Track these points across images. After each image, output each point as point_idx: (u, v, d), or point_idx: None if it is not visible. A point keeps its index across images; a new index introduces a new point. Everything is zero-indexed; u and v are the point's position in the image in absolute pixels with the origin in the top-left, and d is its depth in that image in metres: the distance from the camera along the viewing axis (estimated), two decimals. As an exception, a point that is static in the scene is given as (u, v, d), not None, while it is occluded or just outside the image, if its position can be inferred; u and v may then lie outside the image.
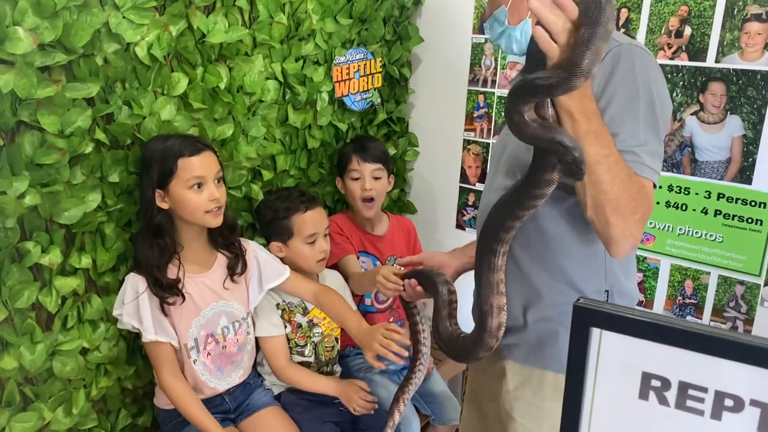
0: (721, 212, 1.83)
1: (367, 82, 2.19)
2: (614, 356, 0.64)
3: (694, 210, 1.88)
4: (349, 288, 1.95)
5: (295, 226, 1.78)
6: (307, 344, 1.82)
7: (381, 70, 2.23)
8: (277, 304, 1.79)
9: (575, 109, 0.98)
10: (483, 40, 2.24)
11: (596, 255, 1.20)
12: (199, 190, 1.53)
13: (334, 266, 1.99)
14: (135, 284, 1.52)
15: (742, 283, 1.84)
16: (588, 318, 0.65)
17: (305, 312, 1.82)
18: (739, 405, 0.59)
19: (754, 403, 0.58)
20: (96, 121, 1.49)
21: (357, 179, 2.03)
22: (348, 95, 2.13)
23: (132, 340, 1.68)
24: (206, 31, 1.67)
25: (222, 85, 1.72)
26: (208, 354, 1.65)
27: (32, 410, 1.50)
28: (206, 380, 1.66)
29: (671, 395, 0.62)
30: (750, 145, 1.75)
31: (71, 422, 1.57)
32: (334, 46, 2.06)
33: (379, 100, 2.27)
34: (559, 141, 0.96)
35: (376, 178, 2.04)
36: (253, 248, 1.75)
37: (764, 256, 1.79)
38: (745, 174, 1.78)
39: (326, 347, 1.87)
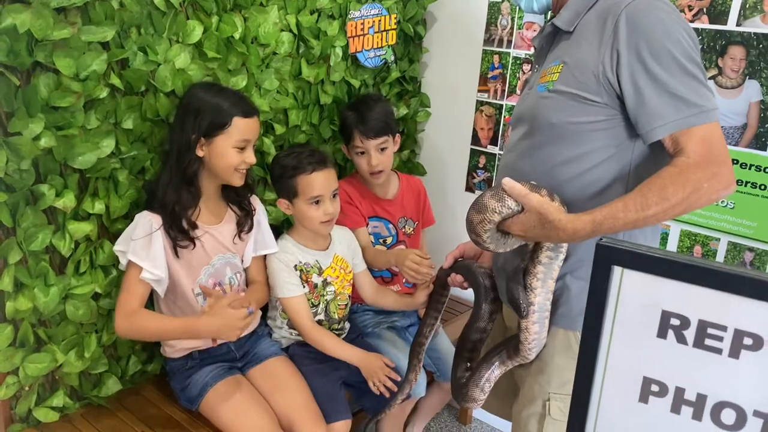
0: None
1: (381, 39, 2.17)
2: (634, 295, 0.65)
3: (706, 176, 1.87)
4: (360, 248, 1.96)
5: (299, 187, 1.74)
6: (319, 303, 1.83)
7: (396, 26, 2.21)
8: (295, 265, 1.79)
9: (587, 236, 1.08)
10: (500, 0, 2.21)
11: None
12: (241, 151, 1.57)
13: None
14: (148, 222, 1.52)
15: (751, 249, 1.84)
16: (610, 256, 0.65)
17: (320, 272, 1.83)
18: (758, 343, 0.60)
19: (773, 341, 0.59)
20: (111, 66, 1.48)
21: (362, 154, 1.98)
22: (362, 51, 2.11)
23: (143, 287, 1.69)
24: (222, -21, 1.65)
25: (237, 35, 1.70)
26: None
27: (45, 351, 1.52)
28: None
29: (690, 334, 0.63)
30: (767, 111, 1.74)
31: (83, 365, 1.60)
32: (350, 0, 2.03)
33: (392, 57, 2.25)
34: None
35: (383, 149, 1.98)
36: (259, 211, 1.77)
37: (775, 224, 1.78)
38: (761, 140, 1.76)
39: (339, 305, 1.88)
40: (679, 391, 0.64)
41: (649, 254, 0.63)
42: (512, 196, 1.11)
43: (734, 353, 0.61)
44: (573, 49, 1.19)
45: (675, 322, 0.63)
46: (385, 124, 1.97)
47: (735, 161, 1.80)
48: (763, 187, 1.78)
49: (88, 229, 1.52)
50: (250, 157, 1.59)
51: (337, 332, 1.88)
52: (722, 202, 1.86)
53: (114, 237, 1.59)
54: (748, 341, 0.60)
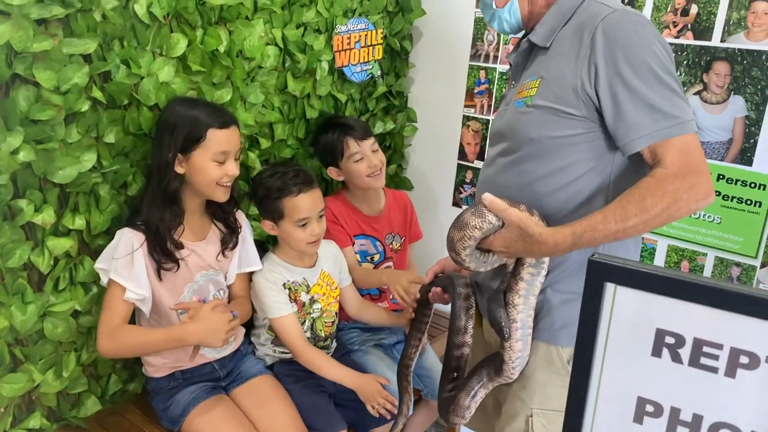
0: (720, 193, 1.83)
1: (368, 54, 2.16)
2: (628, 312, 0.63)
3: (692, 191, 1.87)
4: (345, 261, 1.94)
5: (286, 209, 1.70)
6: (305, 321, 1.80)
7: (382, 41, 2.20)
8: (284, 284, 1.76)
9: (568, 249, 1.08)
10: (486, 15, 2.21)
11: None
12: (220, 164, 1.52)
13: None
14: (129, 240, 1.49)
15: (738, 264, 1.84)
16: (602, 273, 0.63)
17: (308, 289, 1.80)
18: (754, 362, 0.58)
19: (770, 359, 0.58)
20: (93, 78, 1.46)
21: (360, 160, 1.95)
22: (348, 66, 2.10)
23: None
24: (207, -8, 1.63)
25: (221, 49, 1.69)
26: None
27: (22, 371, 1.48)
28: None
29: (685, 352, 0.61)
30: (752, 126, 1.75)
31: (61, 385, 1.55)
32: (336, 14, 2.03)
33: (379, 72, 2.24)
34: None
35: (374, 151, 1.99)
36: (245, 228, 1.74)
37: (761, 238, 1.79)
38: (746, 155, 1.77)
39: (326, 323, 1.85)
40: (675, 412, 0.63)
41: (643, 270, 0.61)
42: (492, 211, 1.11)
43: (730, 372, 0.59)
44: (550, 64, 1.20)
45: (670, 340, 0.61)
46: (365, 126, 2.01)
47: (721, 176, 1.81)
48: (749, 202, 1.79)
49: (68, 245, 1.48)
50: (232, 170, 1.55)
51: (323, 350, 1.84)
52: (709, 216, 1.86)
53: (95, 253, 1.56)
54: (744, 360, 0.58)
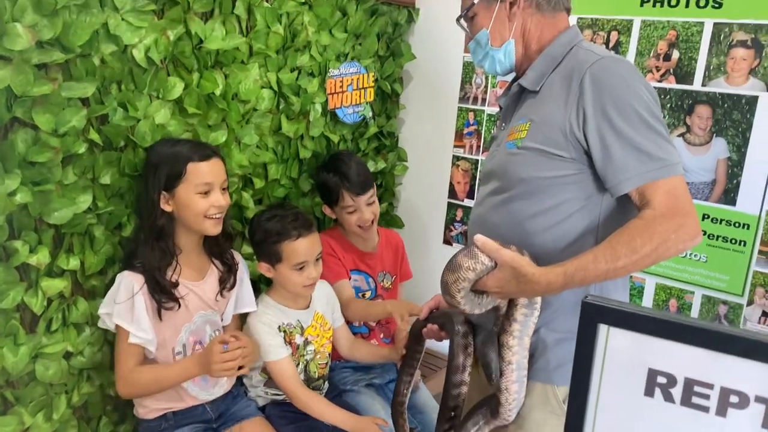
0: (705, 232, 1.86)
1: (360, 96, 2.21)
2: (621, 353, 0.65)
3: (679, 230, 1.91)
4: (338, 302, 1.94)
5: (284, 253, 1.71)
6: (299, 362, 1.80)
7: (373, 84, 2.25)
8: (279, 326, 1.76)
9: (560, 288, 1.10)
10: (474, 59, 2.27)
11: None
12: (206, 196, 1.54)
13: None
14: (130, 283, 1.50)
15: (725, 302, 1.86)
16: (595, 314, 0.65)
17: (302, 331, 1.80)
18: (744, 401, 0.60)
19: (759, 399, 0.59)
20: (90, 121, 1.48)
21: (352, 212, 1.98)
22: (341, 107, 2.14)
23: (116, 345, 1.65)
24: (204, 37, 1.67)
25: (217, 92, 1.72)
26: None
27: (12, 414, 1.46)
28: (188, 387, 1.64)
29: (677, 392, 0.63)
30: (734, 167, 1.79)
31: (51, 428, 1.53)
32: (329, 58, 2.08)
33: (370, 114, 2.28)
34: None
35: (370, 203, 2.01)
36: (242, 267, 1.75)
37: (747, 276, 1.82)
38: (730, 195, 1.81)
39: (319, 364, 1.85)
40: (668, 451, 0.64)
41: (635, 312, 0.63)
42: (485, 251, 1.12)
43: (721, 411, 0.61)
44: (539, 108, 1.23)
45: (662, 380, 0.63)
46: (366, 178, 2.00)
47: (706, 216, 1.85)
48: (733, 241, 1.83)
49: (62, 286, 1.49)
50: (218, 200, 1.55)
51: (315, 390, 1.84)
52: (695, 255, 1.89)
53: (88, 293, 1.56)
54: (734, 399, 0.60)
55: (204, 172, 1.54)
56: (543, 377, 1.27)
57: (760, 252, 1.79)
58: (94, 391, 1.62)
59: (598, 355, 0.66)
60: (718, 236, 1.85)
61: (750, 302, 1.82)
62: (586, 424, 0.68)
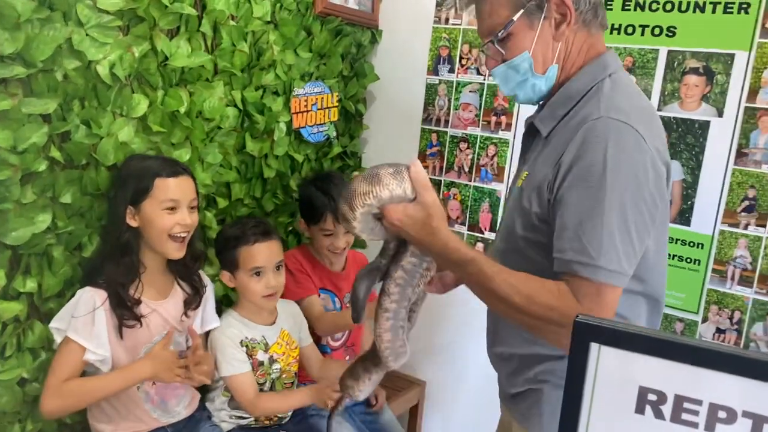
0: (662, 252, 1.92)
1: (324, 116, 2.21)
2: (612, 371, 0.66)
3: (636, 249, 1.96)
4: (306, 321, 1.92)
5: (241, 257, 1.70)
6: (265, 381, 1.77)
7: (337, 104, 2.26)
8: (241, 341, 1.73)
9: (450, 263, 1.02)
10: (437, 81, 2.30)
11: None
12: (171, 212, 1.51)
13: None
14: (91, 299, 1.44)
15: (681, 320, 1.92)
16: (587, 333, 0.66)
17: (267, 348, 1.77)
18: (732, 416, 0.62)
19: (746, 414, 0.61)
20: (51, 138, 1.44)
21: (329, 235, 1.97)
22: (305, 127, 2.14)
23: (74, 370, 1.59)
24: (169, 54, 1.65)
25: (182, 110, 1.70)
26: (153, 383, 1.58)
27: (-39, 445, 1.39)
28: (149, 409, 1.59)
29: (667, 408, 0.64)
30: (689, 189, 1.87)
31: (3, 459, 1.46)
32: (294, 78, 2.07)
33: (334, 133, 2.29)
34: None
35: (347, 232, 1.99)
36: (208, 288, 1.72)
37: (701, 294, 1.88)
38: (685, 216, 1.88)
39: (285, 384, 1.82)
40: (659, 467, 0.65)
41: (626, 331, 0.64)
42: (415, 181, 1.00)
43: (710, 427, 0.63)
44: (540, 159, 1.11)
45: (652, 397, 0.64)
46: None
47: (662, 235, 1.91)
48: (689, 260, 1.89)
49: (18, 309, 1.42)
50: (183, 218, 1.51)
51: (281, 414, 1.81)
52: (652, 274, 1.95)
53: (45, 317, 1.50)
54: (722, 414, 0.62)
55: (171, 188, 1.51)
56: (521, 421, 1.25)
57: (714, 270, 1.86)
58: (49, 419, 1.55)
59: (590, 373, 0.67)
60: (674, 255, 1.91)
61: (705, 319, 1.88)
62: (577, 442, 0.68)
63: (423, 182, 1.00)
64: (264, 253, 1.71)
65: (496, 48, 1.13)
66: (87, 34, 1.46)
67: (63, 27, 1.40)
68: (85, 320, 1.43)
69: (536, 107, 1.23)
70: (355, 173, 0.91)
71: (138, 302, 1.52)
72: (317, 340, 2.01)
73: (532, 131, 1.20)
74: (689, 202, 1.87)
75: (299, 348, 1.88)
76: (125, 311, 1.48)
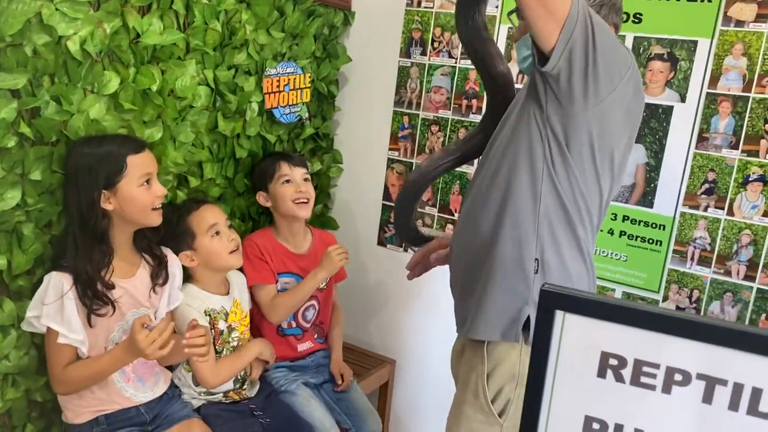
0: (625, 233, 1.99)
1: (296, 96, 2.21)
2: (575, 337, 0.70)
3: (601, 231, 2.02)
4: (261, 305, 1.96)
5: (194, 224, 1.75)
6: (224, 350, 1.79)
7: (310, 85, 2.26)
8: (205, 311, 1.75)
9: None
10: (409, 64, 2.32)
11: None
12: (148, 187, 1.53)
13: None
14: (59, 283, 1.44)
15: (642, 299, 1.99)
16: (553, 301, 0.70)
17: (226, 317, 1.80)
18: (687, 379, 0.66)
19: (700, 376, 0.65)
20: (21, 114, 1.42)
21: (288, 182, 2.00)
22: (277, 107, 2.14)
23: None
24: (141, 32, 1.64)
25: (154, 88, 1.68)
26: None
27: (-71, 423, 1.38)
28: (121, 388, 1.59)
29: (627, 372, 0.68)
30: (652, 172, 1.92)
31: (-28, 437, 1.46)
32: (266, 57, 2.07)
33: (306, 114, 2.29)
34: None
35: (305, 179, 2.05)
36: (173, 263, 1.72)
37: (662, 274, 1.95)
38: (648, 198, 1.94)
39: None
40: (618, 428, 0.69)
41: (589, 299, 0.68)
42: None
43: (666, 389, 0.67)
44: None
45: (613, 362, 0.68)
46: (304, 159, 2.12)
47: (626, 217, 1.97)
48: (651, 241, 1.95)
49: (-14, 287, 1.41)
50: (160, 190, 1.57)
51: (241, 382, 1.86)
52: (616, 254, 2.01)
53: (14, 294, 1.49)
54: (678, 377, 0.66)
55: (142, 163, 1.53)
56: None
57: (675, 251, 1.93)
58: (19, 396, 1.54)
59: (555, 339, 0.70)
60: (636, 236, 1.97)
61: (665, 298, 1.95)
62: (542, 404, 0.72)
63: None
64: (211, 211, 1.79)
65: (512, 21, 1.34)
66: (57, 9, 1.44)
67: (32, 1, 1.38)
68: (55, 306, 1.44)
69: None
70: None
71: (112, 287, 1.52)
72: (278, 328, 2.03)
73: None
74: (652, 185, 1.93)
75: (248, 317, 1.93)
76: (95, 299, 1.48)
